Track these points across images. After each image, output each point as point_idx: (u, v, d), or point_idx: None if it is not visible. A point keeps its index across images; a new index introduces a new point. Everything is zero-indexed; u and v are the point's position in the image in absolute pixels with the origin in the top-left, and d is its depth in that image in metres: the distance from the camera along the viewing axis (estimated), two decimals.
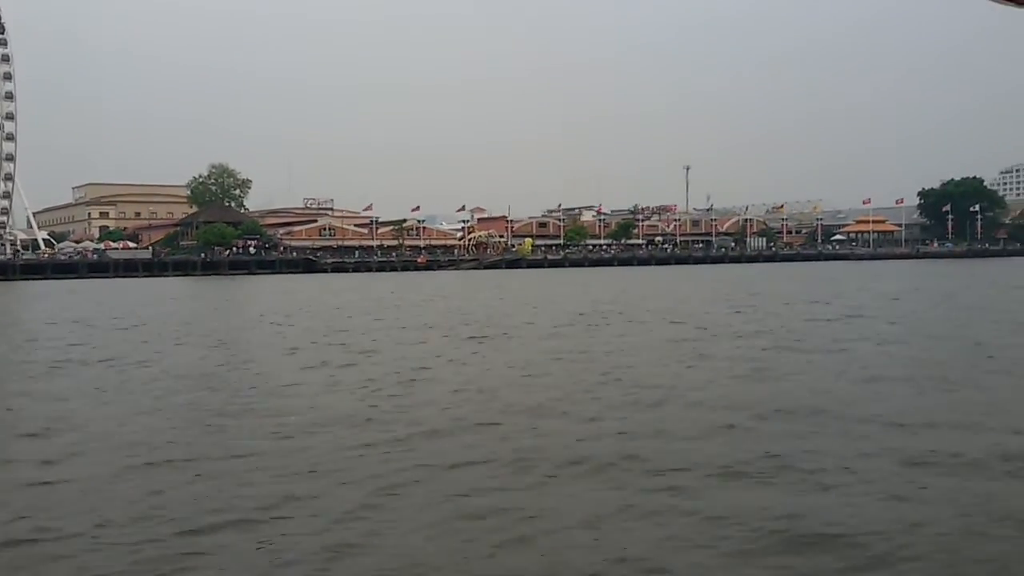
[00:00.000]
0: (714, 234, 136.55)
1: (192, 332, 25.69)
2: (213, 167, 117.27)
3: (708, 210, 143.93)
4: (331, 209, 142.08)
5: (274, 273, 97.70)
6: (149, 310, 37.14)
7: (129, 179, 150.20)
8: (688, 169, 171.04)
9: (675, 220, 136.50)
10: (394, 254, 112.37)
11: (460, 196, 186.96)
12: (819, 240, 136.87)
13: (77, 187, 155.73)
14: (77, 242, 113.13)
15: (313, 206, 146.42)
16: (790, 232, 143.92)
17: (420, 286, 60.24)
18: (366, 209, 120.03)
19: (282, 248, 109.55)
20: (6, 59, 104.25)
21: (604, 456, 9.00)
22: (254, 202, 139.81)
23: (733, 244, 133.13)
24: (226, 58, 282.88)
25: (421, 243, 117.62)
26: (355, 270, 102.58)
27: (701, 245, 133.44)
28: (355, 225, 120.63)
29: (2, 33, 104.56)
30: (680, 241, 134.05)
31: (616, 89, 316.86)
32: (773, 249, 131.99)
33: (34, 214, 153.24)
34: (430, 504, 7.45)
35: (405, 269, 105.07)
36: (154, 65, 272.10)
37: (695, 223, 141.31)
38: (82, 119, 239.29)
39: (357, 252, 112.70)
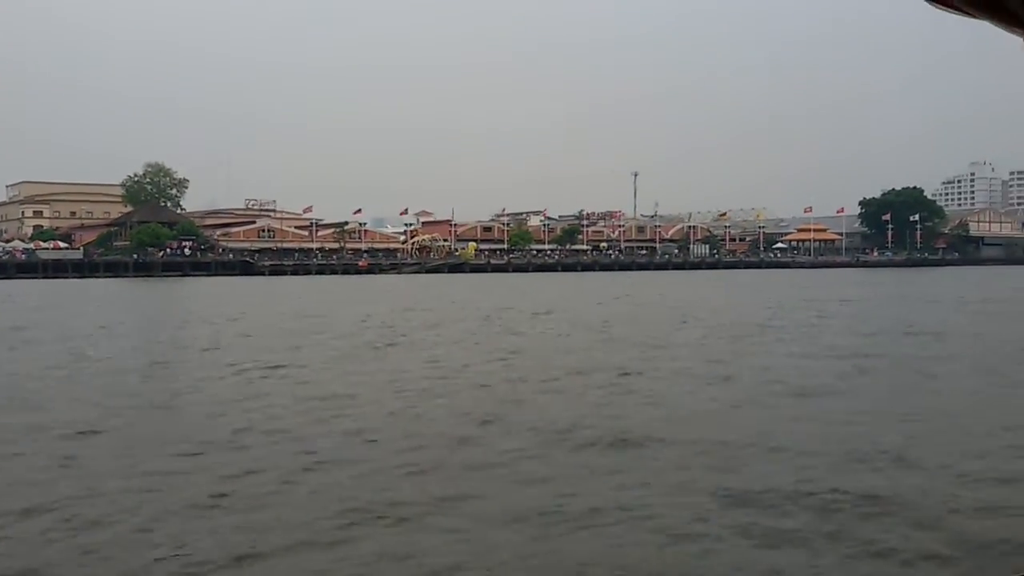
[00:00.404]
0: (658, 241, 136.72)
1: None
2: (149, 166, 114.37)
3: (653, 216, 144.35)
4: (273, 211, 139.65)
5: (210, 275, 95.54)
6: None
7: (66, 177, 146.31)
8: (636, 176, 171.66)
9: (620, 226, 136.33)
10: (335, 257, 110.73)
11: (406, 199, 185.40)
12: (761, 248, 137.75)
13: (11, 185, 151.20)
14: (7, 242, 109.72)
15: (255, 207, 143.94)
16: (734, 240, 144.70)
17: (335, 291, 59.07)
18: (306, 211, 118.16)
19: (219, 250, 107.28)
20: None
21: None
22: (195, 203, 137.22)
23: (677, 251, 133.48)
24: (169, 58, 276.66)
25: (363, 246, 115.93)
26: (294, 273, 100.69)
27: (645, 251, 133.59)
28: (296, 227, 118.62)
29: None
30: (625, 247, 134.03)
31: (569, 94, 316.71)
32: (716, 256, 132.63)
33: None
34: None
35: (346, 272, 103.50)
36: (94, 62, 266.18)
37: (640, 229, 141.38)
38: (19, 114, 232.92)
39: (297, 254, 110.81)
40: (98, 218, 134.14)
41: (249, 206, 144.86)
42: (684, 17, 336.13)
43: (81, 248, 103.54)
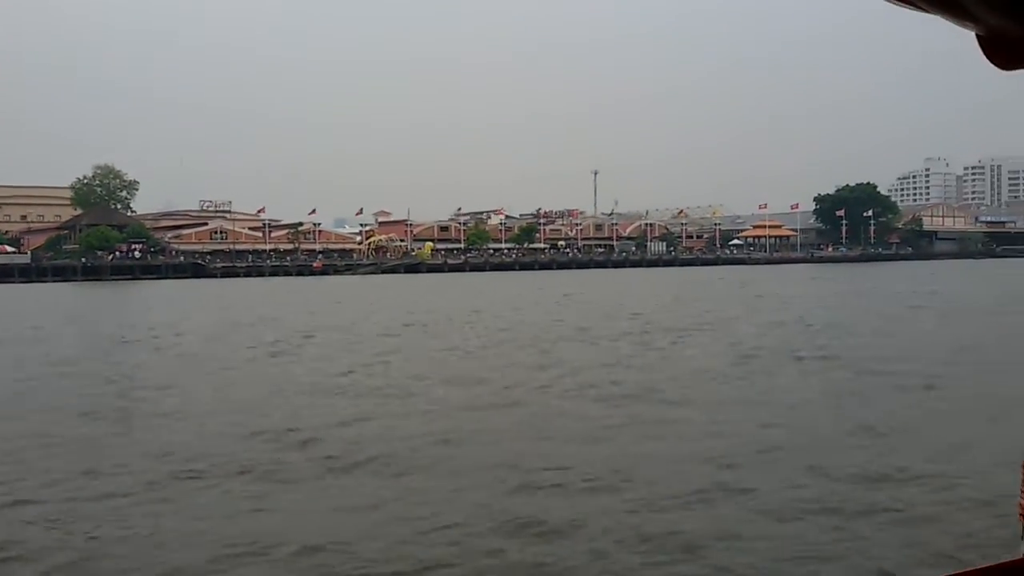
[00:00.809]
0: (615, 239, 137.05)
1: None
2: (98, 168, 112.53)
3: (610, 214, 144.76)
4: (228, 212, 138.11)
5: (160, 278, 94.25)
6: None
7: (17, 180, 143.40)
8: (596, 174, 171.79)
9: (577, 225, 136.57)
10: (288, 258, 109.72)
11: (366, 200, 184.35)
12: (718, 245, 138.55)
13: None
14: None
15: (210, 208, 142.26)
16: (692, 237, 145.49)
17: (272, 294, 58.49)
18: (259, 212, 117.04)
19: (170, 252, 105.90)
20: None
21: None
22: (151, 206, 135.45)
23: (634, 249, 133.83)
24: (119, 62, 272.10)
25: (318, 247, 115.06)
26: (247, 275, 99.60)
27: (603, 250, 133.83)
28: (250, 228, 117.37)
29: None
30: (583, 245, 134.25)
31: (532, 94, 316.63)
32: (673, 254, 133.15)
33: None
34: None
35: (300, 274, 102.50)
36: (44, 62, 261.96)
37: (599, 228, 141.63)
38: None
39: (251, 256, 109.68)
40: (49, 221, 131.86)
41: (204, 207, 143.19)
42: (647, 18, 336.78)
43: (28, 252, 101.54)
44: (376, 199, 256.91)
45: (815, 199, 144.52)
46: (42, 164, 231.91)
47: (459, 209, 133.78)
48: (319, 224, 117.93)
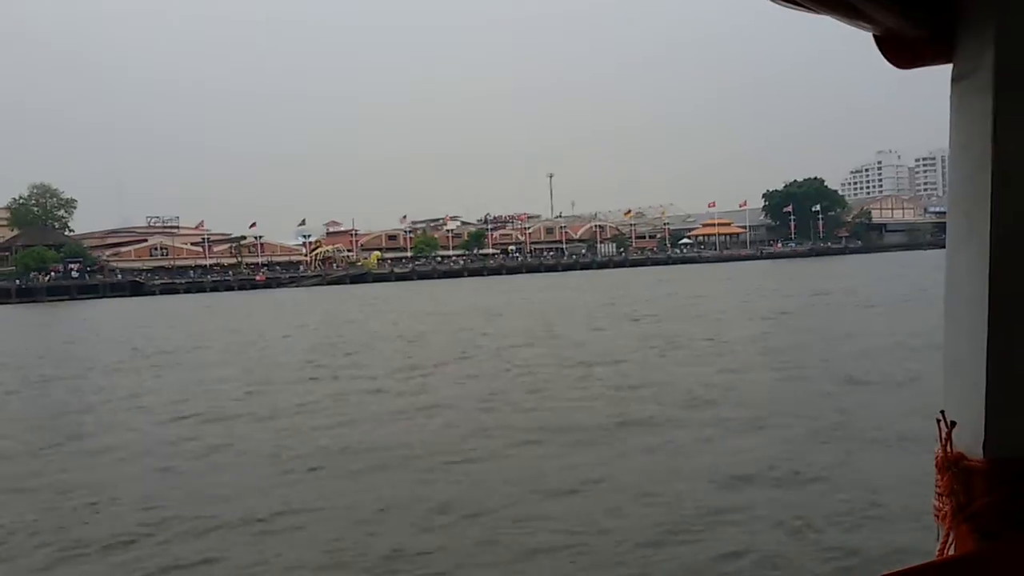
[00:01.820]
0: (564, 241, 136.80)
1: None
2: (34, 187, 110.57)
3: (558, 216, 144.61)
4: (177, 228, 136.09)
5: (98, 298, 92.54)
6: None
7: None
8: (552, 177, 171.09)
9: (527, 229, 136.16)
10: (230, 272, 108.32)
11: (316, 210, 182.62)
12: (668, 245, 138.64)
13: None
14: None
15: (157, 225, 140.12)
16: (643, 237, 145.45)
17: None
18: (199, 227, 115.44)
19: (107, 271, 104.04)
20: None
21: None
22: (95, 224, 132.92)
23: (584, 251, 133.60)
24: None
25: (260, 260, 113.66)
26: (187, 291, 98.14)
27: (554, 253, 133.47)
28: (192, 244, 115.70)
29: None
30: (534, 249, 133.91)
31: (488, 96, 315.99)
32: (624, 255, 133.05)
33: None
34: None
35: (243, 288, 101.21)
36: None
37: (549, 231, 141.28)
38: None
39: (193, 272, 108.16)
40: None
41: (151, 224, 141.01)
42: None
43: None
44: (325, 211, 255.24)
45: (763, 195, 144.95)
46: None
47: (404, 217, 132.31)
48: (261, 237, 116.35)
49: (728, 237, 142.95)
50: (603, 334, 26.29)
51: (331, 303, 58.16)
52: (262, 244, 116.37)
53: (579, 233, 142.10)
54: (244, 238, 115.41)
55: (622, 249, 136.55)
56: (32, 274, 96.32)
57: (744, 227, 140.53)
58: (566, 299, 47.46)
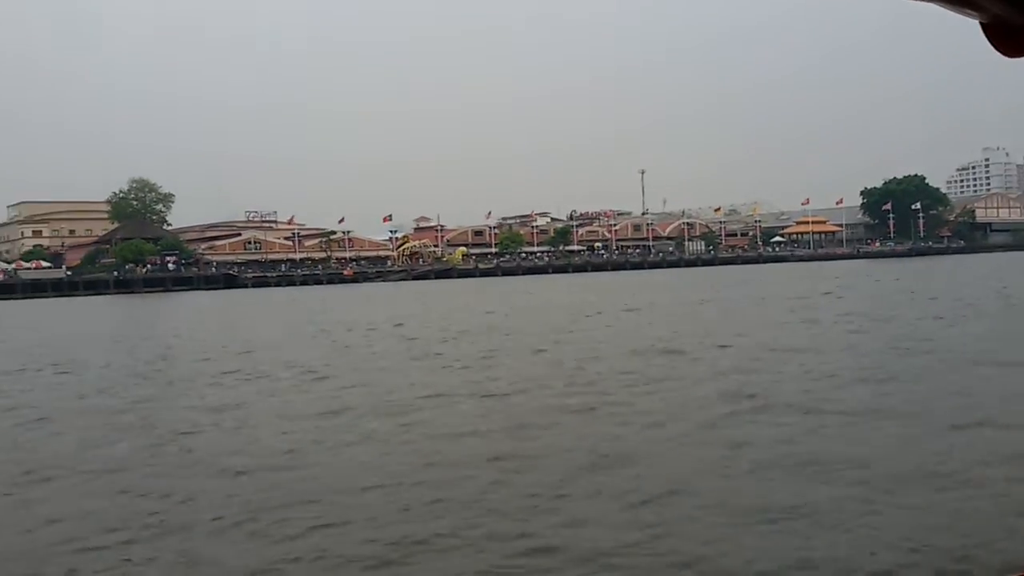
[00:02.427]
0: (650, 239, 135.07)
1: None
2: (133, 181, 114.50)
3: (644, 214, 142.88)
4: (274, 222, 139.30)
5: (192, 290, 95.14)
6: None
7: (65, 196, 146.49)
8: (643, 173, 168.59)
9: (614, 226, 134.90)
10: (320, 267, 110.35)
11: (404, 207, 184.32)
12: (759, 243, 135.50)
13: (12, 205, 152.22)
14: (8, 263, 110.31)
15: (255, 219, 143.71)
16: (734, 235, 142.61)
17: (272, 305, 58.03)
18: (290, 221, 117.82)
19: (203, 264, 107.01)
20: None
21: None
22: (195, 218, 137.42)
23: (671, 249, 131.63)
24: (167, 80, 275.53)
25: (348, 255, 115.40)
26: (277, 284, 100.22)
27: (640, 250, 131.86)
28: (284, 238, 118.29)
29: None
30: (621, 246, 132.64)
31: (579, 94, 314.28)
32: (712, 253, 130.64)
33: None
34: None
35: (331, 282, 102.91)
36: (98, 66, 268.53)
37: (636, 228, 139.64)
38: (20, 137, 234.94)
39: (284, 266, 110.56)
40: (96, 235, 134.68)
41: (250, 218, 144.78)
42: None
43: (64, 267, 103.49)
44: (417, 206, 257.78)
45: (861, 193, 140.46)
46: (86, 178, 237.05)
47: (489, 213, 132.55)
48: (349, 232, 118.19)
49: (823, 236, 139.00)
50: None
51: (434, 296, 58.26)
52: (351, 239, 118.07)
53: (667, 231, 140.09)
54: (334, 233, 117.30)
55: (711, 247, 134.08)
56: (129, 266, 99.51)
57: (840, 225, 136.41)
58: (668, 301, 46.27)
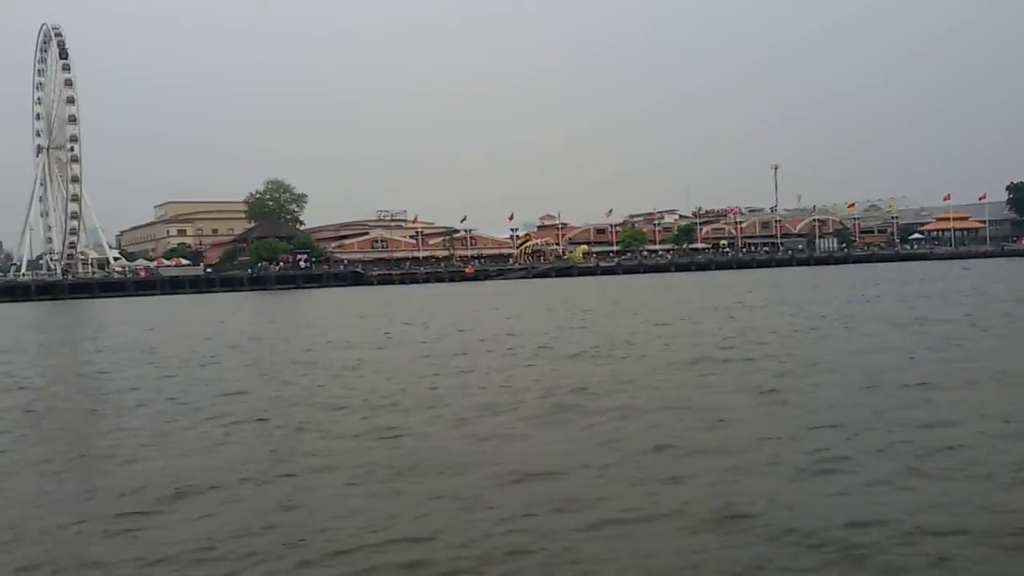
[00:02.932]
0: (778, 236, 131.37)
1: None
2: (269, 182, 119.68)
3: (771, 208, 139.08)
4: (404, 221, 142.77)
5: (321, 287, 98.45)
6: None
7: (208, 196, 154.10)
8: (776, 169, 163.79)
9: (739, 223, 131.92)
10: (442, 264, 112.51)
11: (527, 204, 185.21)
12: (896, 240, 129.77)
13: (158, 206, 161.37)
14: (150, 260, 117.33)
15: (386, 218, 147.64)
16: (871, 232, 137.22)
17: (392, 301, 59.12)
18: (414, 220, 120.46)
19: (332, 262, 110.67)
20: (69, 84, 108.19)
21: None
22: (330, 217, 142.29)
23: (800, 246, 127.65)
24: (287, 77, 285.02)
25: (469, 252, 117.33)
26: (401, 282, 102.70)
27: (768, 248, 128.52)
28: (410, 237, 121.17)
29: (66, 59, 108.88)
30: (748, 244, 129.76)
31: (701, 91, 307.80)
32: (846, 250, 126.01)
33: (122, 232, 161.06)
34: None
35: (452, 280, 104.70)
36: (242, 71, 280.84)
37: (764, 225, 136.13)
38: (168, 141, 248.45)
39: (409, 263, 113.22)
40: (235, 234, 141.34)
41: (381, 217, 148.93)
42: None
43: (204, 264, 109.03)
44: (542, 203, 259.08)
45: (1008, 188, 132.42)
46: (228, 179, 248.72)
47: (609, 211, 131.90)
48: (471, 230, 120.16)
49: (965, 232, 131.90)
50: None
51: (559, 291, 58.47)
52: (474, 237, 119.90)
53: (798, 227, 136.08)
54: (457, 231, 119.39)
55: (844, 244, 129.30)
56: (263, 264, 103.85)
57: (983, 221, 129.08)
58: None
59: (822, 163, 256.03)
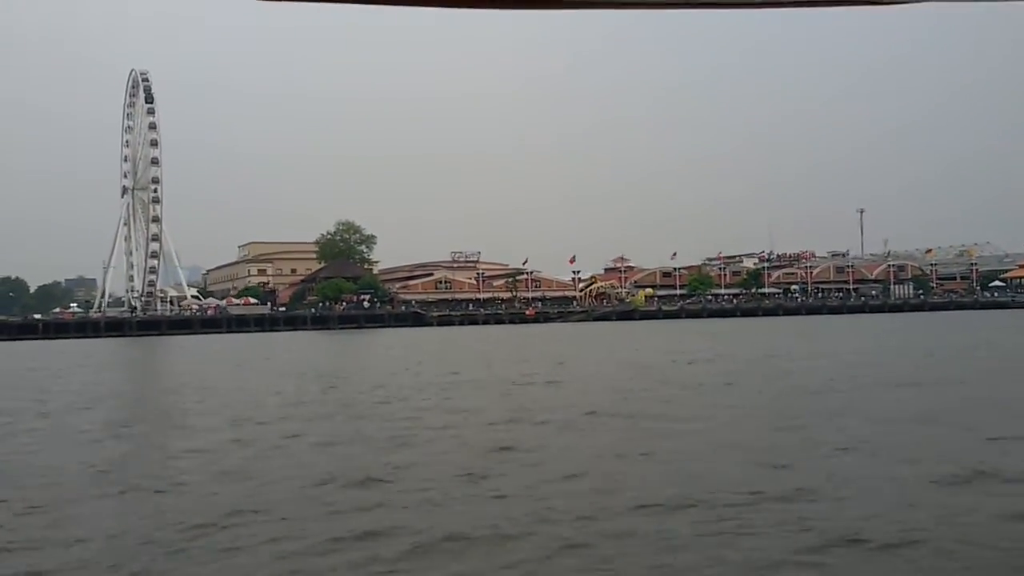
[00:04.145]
0: (851, 282, 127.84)
1: None
2: (340, 223, 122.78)
3: (844, 254, 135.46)
4: (477, 261, 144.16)
5: (382, 327, 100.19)
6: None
7: (286, 237, 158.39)
8: (862, 212, 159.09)
9: (811, 268, 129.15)
10: (503, 306, 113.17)
11: (596, 246, 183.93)
12: (976, 286, 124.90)
13: (241, 245, 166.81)
14: (221, 298, 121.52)
15: (460, 259, 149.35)
16: (952, 278, 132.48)
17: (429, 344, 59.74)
18: (478, 263, 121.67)
19: (395, 302, 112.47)
20: (153, 127, 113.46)
21: None
22: (397, 259, 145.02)
23: (875, 292, 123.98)
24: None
25: (531, 294, 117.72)
26: (461, 323, 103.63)
27: (841, 294, 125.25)
28: (472, 278, 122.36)
29: (151, 103, 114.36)
30: (820, 289, 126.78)
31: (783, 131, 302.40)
32: (922, 297, 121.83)
33: (208, 271, 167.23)
34: None
35: (512, 322, 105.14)
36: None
37: (840, 270, 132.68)
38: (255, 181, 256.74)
39: (471, 305, 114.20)
40: (309, 274, 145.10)
41: (455, 258, 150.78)
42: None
43: (272, 304, 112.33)
44: (615, 246, 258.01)
45: None
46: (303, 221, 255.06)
47: (674, 254, 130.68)
48: (531, 272, 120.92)
49: None
50: None
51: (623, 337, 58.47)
52: (537, 279, 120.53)
53: (874, 273, 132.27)
54: (520, 273, 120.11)
55: (920, 291, 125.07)
56: (328, 303, 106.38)
57: None
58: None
59: (908, 205, 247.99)
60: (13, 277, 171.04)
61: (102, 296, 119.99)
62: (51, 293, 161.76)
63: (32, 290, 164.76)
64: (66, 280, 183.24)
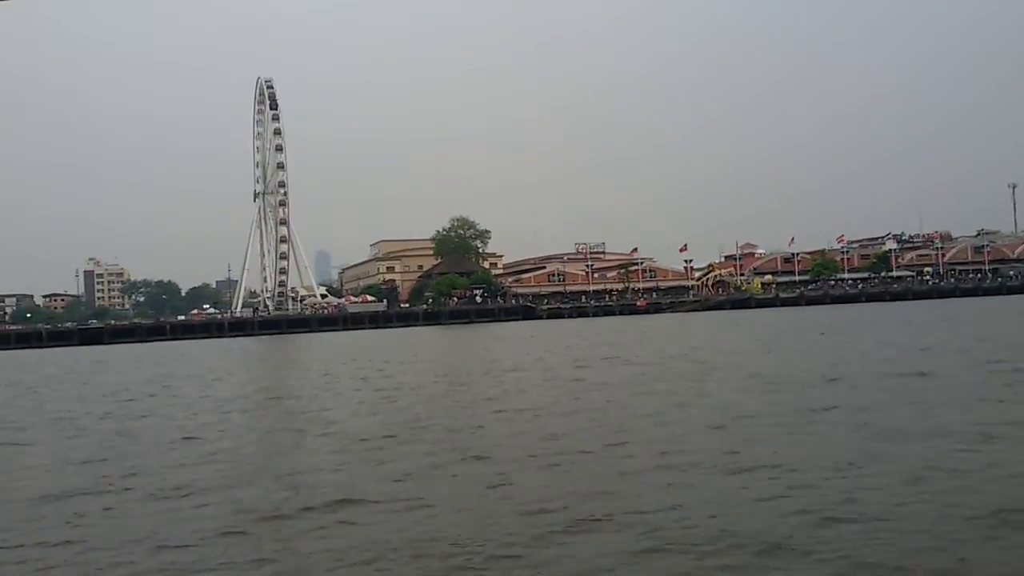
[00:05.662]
0: (986, 263, 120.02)
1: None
2: (455, 219, 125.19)
3: (984, 233, 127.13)
4: (603, 253, 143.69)
5: (493, 321, 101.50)
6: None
7: (411, 234, 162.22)
8: (1014, 188, 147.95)
9: (939, 248, 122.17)
10: (614, 298, 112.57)
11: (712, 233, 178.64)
12: None
13: (372, 244, 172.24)
14: (355, 295, 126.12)
15: (583, 250, 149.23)
16: None
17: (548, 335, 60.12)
18: (586, 255, 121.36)
19: (508, 296, 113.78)
20: (278, 133, 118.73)
21: None
22: (526, 252, 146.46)
23: (1012, 273, 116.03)
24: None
25: (644, 285, 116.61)
26: (570, 316, 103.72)
27: (978, 275, 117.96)
28: (583, 270, 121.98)
29: (275, 109, 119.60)
30: (955, 271, 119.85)
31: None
32: None
33: (343, 270, 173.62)
34: None
35: (622, 313, 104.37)
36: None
37: (977, 251, 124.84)
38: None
39: (583, 297, 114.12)
40: (426, 270, 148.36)
41: (579, 249, 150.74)
42: None
43: (385, 301, 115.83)
44: (736, 230, 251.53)
45: None
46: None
47: (792, 240, 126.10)
48: (643, 262, 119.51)
49: None
50: None
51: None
52: (651, 269, 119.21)
53: (1016, 252, 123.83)
54: (634, 263, 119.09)
55: None
56: (439, 299, 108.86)
57: None
58: None
59: None
60: (167, 281, 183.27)
61: (237, 297, 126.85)
62: (200, 295, 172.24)
63: (183, 292, 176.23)
64: (216, 282, 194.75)
